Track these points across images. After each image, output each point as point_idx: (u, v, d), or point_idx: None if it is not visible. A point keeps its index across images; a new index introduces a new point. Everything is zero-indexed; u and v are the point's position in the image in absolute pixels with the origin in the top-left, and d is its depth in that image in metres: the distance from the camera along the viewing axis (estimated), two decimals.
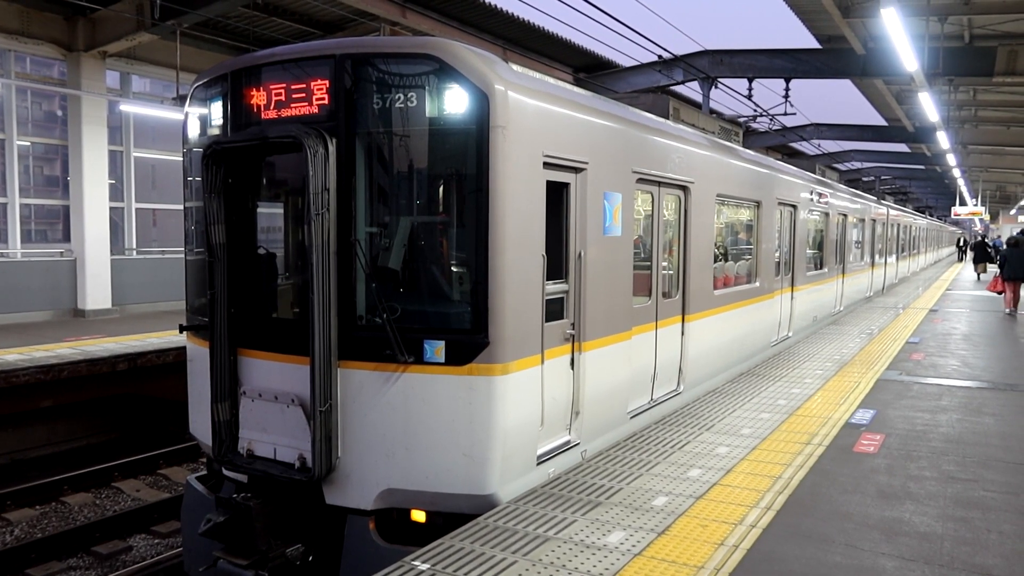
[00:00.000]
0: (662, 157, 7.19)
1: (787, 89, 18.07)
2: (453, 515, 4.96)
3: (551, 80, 5.71)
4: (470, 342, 4.85)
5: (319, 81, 5.09)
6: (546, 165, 5.31)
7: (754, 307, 10.31)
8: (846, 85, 22.72)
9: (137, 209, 16.68)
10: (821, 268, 14.47)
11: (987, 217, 60.81)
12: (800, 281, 12.62)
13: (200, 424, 5.97)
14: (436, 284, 5.25)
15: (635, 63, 18.98)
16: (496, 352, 4.84)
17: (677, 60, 17.82)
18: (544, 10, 13.17)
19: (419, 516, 5.15)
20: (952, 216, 48.47)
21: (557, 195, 5.62)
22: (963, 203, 46.26)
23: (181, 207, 6.48)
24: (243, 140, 5.33)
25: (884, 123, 27.78)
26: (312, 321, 4.87)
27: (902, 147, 33.54)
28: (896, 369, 10.05)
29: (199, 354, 5.91)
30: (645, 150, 6.86)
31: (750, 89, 18.24)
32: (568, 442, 5.79)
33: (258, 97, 5.34)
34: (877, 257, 21.37)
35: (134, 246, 16.54)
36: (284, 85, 5.23)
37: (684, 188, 7.77)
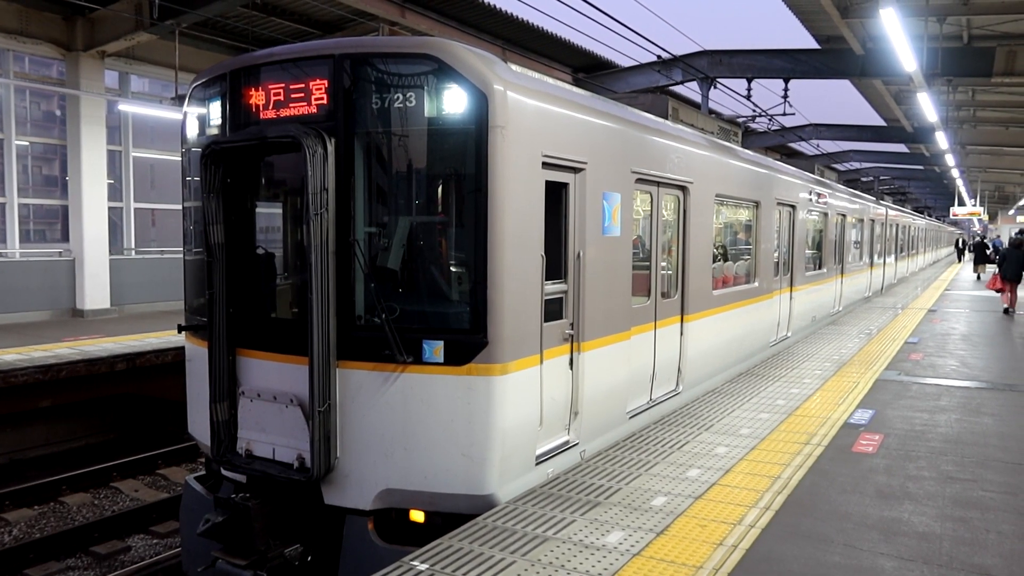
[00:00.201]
0: (661, 157, 7.19)
1: (786, 89, 18.06)
2: (452, 515, 4.96)
3: (550, 80, 5.70)
4: (469, 342, 4.85)
5: (318, 81, 5.08)
6: (545, 165, 5.31)
7: (753, 307, 10.31)
8: (845, 85, 22.75)
9: (136, 209, 16.68)
10: (820, 268, 14.47)
11: (986, 217, 60.88)
12: (799, 281, 12.62)
13: (199, 424, 5.97)
14: (435, 284, 5.25)
15: (634, 63, 18.98)
16: (495, 352, 4.83)
17: (676, 60, 17.82)
18: (543, 10, 13.18)
19: (418, 516, 5.15)
20: (951, 216, 48.50)
21: (556, 195, 5.62)
22: (962, 203, 46.29)
23: (180, 207, 6.47)
24: (242, 140, 5.32)
25: (883, 123, 27.78)
26: (311, 321, 4.87)
27: (901, 147, 33.55)
28: (895, 369, 10.05)
29: (198, 354, 5.91)
30: (644, 150, 6.86)
31: (749, 89, 18.23)
32: (567, 442, 5.79)
33: (257, 97, 5.34)
34: (876, 257, 21.38)
35: (133, 246, 16.53)
36: (283, 85, 5.23)
37: (683, 188, 7.77)
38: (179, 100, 12.85)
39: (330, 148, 4.95)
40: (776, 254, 11.37)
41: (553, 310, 5.57)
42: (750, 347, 10.29)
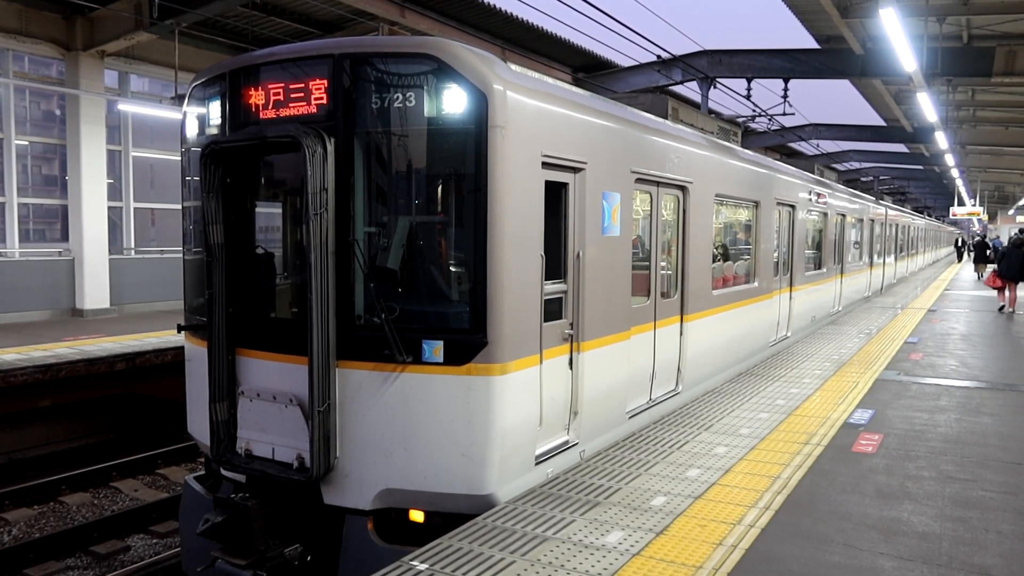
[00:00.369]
0: (661, 157, 7.19)
1: (786, 89, 18.06)
2: (452, 515, 4.96)
3: (550, 80, 5.70)
4: (468, 342, 4.84)
5: (317, 81, 5.08)
6: (545, 165, 5.31)
7: (753, 307, 10.31)
8: (845, 85, 22.74)
9: (135, 209, 16.66)
10: (820, 268, 14.47)
11: (985, 217, 60.87)
12: (799, 281, 12.62)
13: (198, 424, 5.97)
14: (434, 284, 5.25)
15: (634, 63, 18.98)
16: (494, 352, 4.83)
17: (676, 60, 17.82)
18: (543, 10, 13.18)
19: (417, 516, 5.15)
20: (951, 216, 48.50)
21: (556, 195, 5.62)
22: (961, 203, 46.30)
23: (179, 207, 6.47)
24: (241, 140, 5.32)
25: (883, 123, 27.78)
26: (310, 321, 4.86)
27: (901, 147, 33.55)
28: (895, 369, 10.05)
29: (197, 354, 5.90)
30: (644, 150, 6.86)
31: (749, 89, 18.23)
32: (566, 442, 5.79)
33: (256, 97, 5.33)
34: (876, 257, 21.38)
35: (132, 246, 16.52)
36: (282, 85, 5.22)
37: (683, 188, 7.77)
38: (179, 100, 12.83)
39: (330, 148, 4.95)
40: (776, 254, 11.37)
41: (553, 310, 5.57)
42: (750, 347, 10.29)
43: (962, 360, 10.89)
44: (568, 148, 5.58)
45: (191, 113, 6.02)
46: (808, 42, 17.48)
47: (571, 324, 5.79)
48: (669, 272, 7.80)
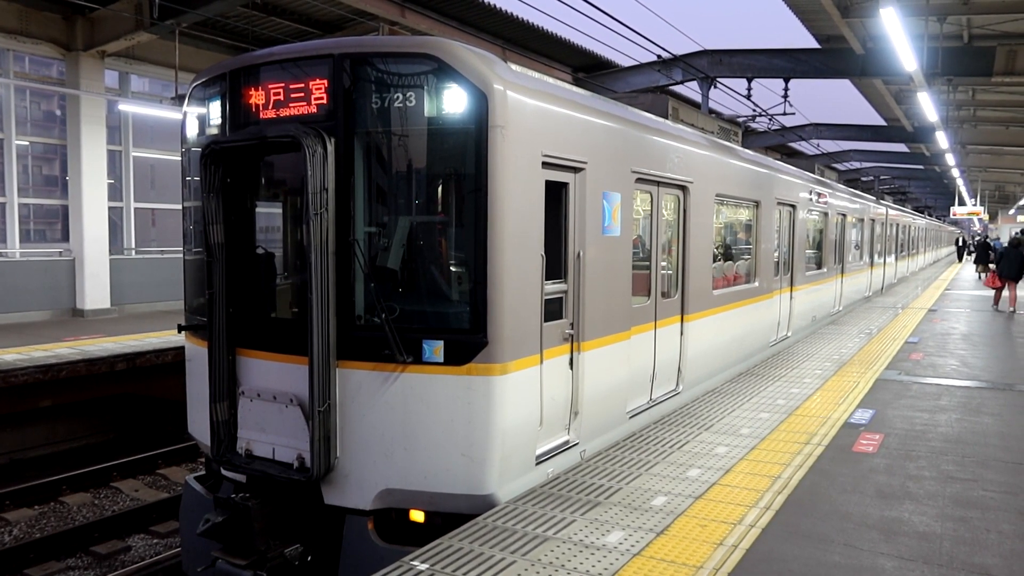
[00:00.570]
0: (661, 157, 7.19)
1: (786, 89, 18.06)
2: (452, 515, 4.95)
3: (550, 80, 5.70)
4: (469, 342, 4.84)
5: (318, 81, 5.08)
6: (545, 165, 5.31)
7: (753, 307, 10.31)
8: (845, 85, 22.74)
9: (136, 209, 16.67)
10: (820, 268, 14.47)
11: (986, 217, 60.83)
12: (799, 281, 12.62)
13: (198, 424, 5.97)
14: (435, 284, 5.25)
15: (634, 63, 18.98)
16: (495, 352, 4.83)
17: (676, 60, 17.82)
18: (543, 10, 13.18)
19: (418, 516, 5.15)
20: (951, 216, 48.48)
21: (556, 195, 5.62)
22: (962, 203, 46.28)
23: (180, 207, 6.47)
24: (242, 140, 5.32)
25: (883, 123, 27.78)
26: (311, 321, 4.86)
27: (901, 147, 33.54)
28: (895, 369, 10.05)
29: (197, 354, 5.90)
30: (644, 150, 6.86)
31: (749, 89, 18.23)
32: (567, 442, 5.79)
33: (256, 97, 5.33)
34: (876, 257, 21.38)
35: (133, 246, 16.53)
36: (283, 85, 5.22)
37: (683, 188, 7.77)
38: (179, 100, 12.84)
39: (330, 148, 4.95)
40: (776, 254, 11.37)
41: (553, 310, 5.57)
42: (750, 347, 10.29)
43: (963, 360, 10.88)
44: (568, 148, 5.58)
45: (191, 113, 6.02)
46: (808, 42, 17.50)
47: (571, 324, 5.79)
48: (669, 272, 7.80)
